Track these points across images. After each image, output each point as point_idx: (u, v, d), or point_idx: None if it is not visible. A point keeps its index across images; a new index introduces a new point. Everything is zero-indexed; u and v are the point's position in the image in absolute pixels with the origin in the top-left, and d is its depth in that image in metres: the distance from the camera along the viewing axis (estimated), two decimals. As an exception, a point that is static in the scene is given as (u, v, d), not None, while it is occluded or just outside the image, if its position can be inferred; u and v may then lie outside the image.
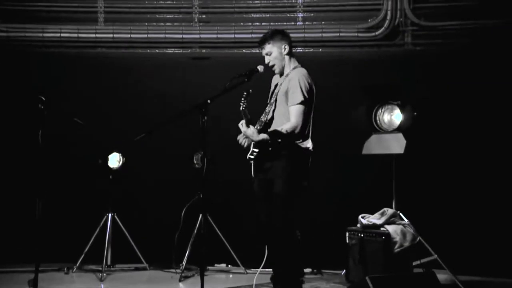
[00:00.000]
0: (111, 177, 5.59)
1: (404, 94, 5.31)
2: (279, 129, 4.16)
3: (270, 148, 4.17)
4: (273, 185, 4.18)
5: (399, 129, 5.22)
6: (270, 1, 6.11)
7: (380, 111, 5.36)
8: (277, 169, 4.16)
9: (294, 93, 4.15)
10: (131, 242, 5.53)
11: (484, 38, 5.78)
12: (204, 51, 6.16)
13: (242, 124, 4.18)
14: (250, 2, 6.13)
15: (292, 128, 4.13)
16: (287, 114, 4.19)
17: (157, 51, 6.16)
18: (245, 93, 4.12)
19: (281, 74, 4.33)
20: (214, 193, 4.58)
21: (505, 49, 5.69)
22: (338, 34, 6.04)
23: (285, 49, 4.26)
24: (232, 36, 6.09)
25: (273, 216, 4.18)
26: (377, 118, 5.36)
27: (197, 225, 5.30)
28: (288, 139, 4.15)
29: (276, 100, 4.25)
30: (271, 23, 6.06)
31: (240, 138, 4.31)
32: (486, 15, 5.81)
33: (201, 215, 4.60)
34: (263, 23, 6.09)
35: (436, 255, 5.00)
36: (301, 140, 4.21)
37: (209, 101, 3.92)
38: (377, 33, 6.00)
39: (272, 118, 4.27)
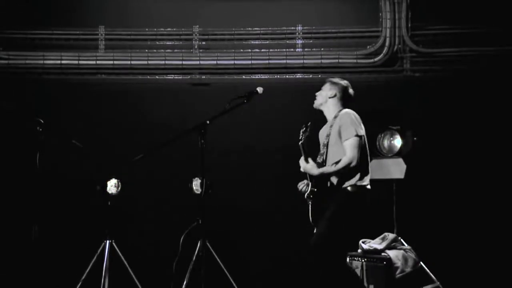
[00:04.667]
0: (109, 203, 5.54)
1: (404, 119, 5.33)
2: (336, 163, 4.26)
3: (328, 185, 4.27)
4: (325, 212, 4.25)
5: (399, 154, 5.23)
6: (270, 28, 6.18)
7: (380, 136, 5.37)
8: (333, 203, 4.23)
9: (347, 129, 4.29)
10: (129, 270, 5.45)
11: (482, 65, 5.84)
12: (204, 77, 6.20)
13: (301, 160, 4.33)
14: (249, 29, 6.19)
15: (348, 161, 4.24)
16: (342, 151, 4.29)
17: (157, 77, 6.19)
18: (304, 127, 4.31)
19: (318, 108, 4.52)
20: (213, 219, 4.54)
21: (502, 76, 5.74)
22: (337, 61, 6.08)
23: (331, 95, 4.47)
24: (232, 62, 6.13)
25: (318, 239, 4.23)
26: (377, 143, 5.37)
27: (196, 251, 5.23)
28: (346, 172, 4.24)
29: (329, 141, 4.38)
30: (271, 50, 6.12)
31: (301, 185, 4.40)
32: (483, 43, 5.88)
33: (200, 241, 4.56)
34: (262, 50, 6.14)
35: (438, 283, 4.93)
36: (359, 178, 4.30)
37: (208, 122, 3.93)
38: (376, 59, 6.06)
39: (327, 158, 4.38)
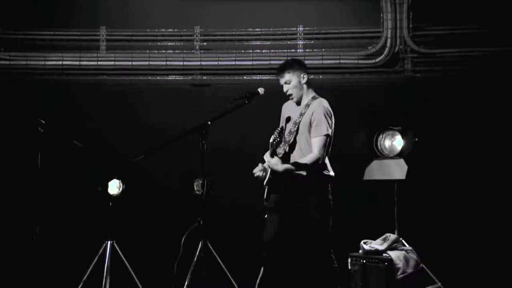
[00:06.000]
0: (110, 204, 5.54)
1: (405, 120, 5.33)
2: (301, 161, 4.19)
3: (293, 177, 4.20)
4: (306, 213, 4.19)
5: (400, 154, 5.22)
6: (271, 29, 6.18)
7: (381, 136, 5.37)
8: (310, 198, 4.18)
9: (319, 125, 4.17)
10: (130, 271, 5.45)
11: (483, 65, 5.84)
12: (205, 78, 6.20)
13: (266, 155, 4.23)
14: (250, 29, 6.20)
15: (315, 159, 4.15)
16: (308, 145, 4.21)
17: (158, 78, 6.20)
18: (278, 130, 4.26)
19: (298, 103, 4.34)
20: (215, 219, 4.54)
21: (503, 76, 5.74)
22: (338, 61, 6.08)
23: (303, 78, 4.29)
24: (233, 63, 6.14)
25: (308, 245, 4.22)
26: (378, 144, 5.36)
27: (197, 252, 5.22)
28: (310, 169, 4.17)
29: (298, 129, 4.26)
30: (272, 50, 6.12)
31: (256, 171, 4.30)
32: (485, 43, 5.88)
33: (201, 241, 4.56)
34: (263, 51, 6.15)
35: (439, 283, 4.93)
36: (326, 169, 4.25)
37: (209, 122, 3.92)
38: (377, 60, 6.06)
39: (293, 148, 4.28)
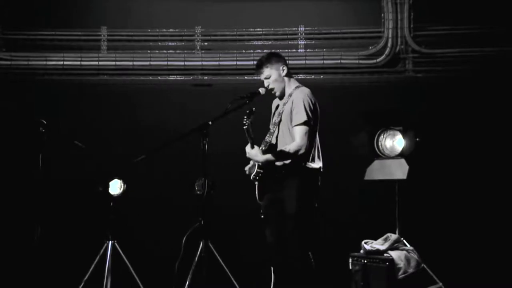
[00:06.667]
0: (111, 204, 5.54)
1: (406, 120, 5.32)
2: (283, 149, 4.13)
3: (276, 169, 4.15)
4: (284, 206, 4.13)
5: (401, 154, 5.21)
6: (272, 29, 6.18)
7: (382, 136, 5.36)
8: (288, 190, 4.12)
9: (298, 113, 4.12)
10: (131, 271, 5.45)
11: (484, 65, 5.83)
12: (206, 78, 6.21)
13: (247, 146, 4.18)
14: (251, 29, 6.20)
15: (297, 148, 4.08)
16: (291, 134, 4.17)
17: (159, 78, 6.20)
18: (247, 111, 4.09)
19: (282, 96, 4.31)
20: (216, 219, 4.54)
21: (505, 76, 5.74)
22: (339, 61, 6.08)
23: (283, 70, 4.25)
24: (234, 63, 6.14)
25: (286, 237, 4.12)
26: (379, 144, 5.35)
27: (198, 252, 5.22)
28: (293, 159, 4.11)
29: (280, 120, 4.23)
30: (273, 50, 6.09)
31: (247, 168, 4.29)
32: (486, 43, 5.88)
33: (202, 241, 4.56)
34: (264, 50, 6.12)
35: (441, 283, 4.93)
36: (310, 161, 4.16)
37: (210, 122, 3.92)
38: (378, 60, 6.06)
39: (277, 138, 4.24)
